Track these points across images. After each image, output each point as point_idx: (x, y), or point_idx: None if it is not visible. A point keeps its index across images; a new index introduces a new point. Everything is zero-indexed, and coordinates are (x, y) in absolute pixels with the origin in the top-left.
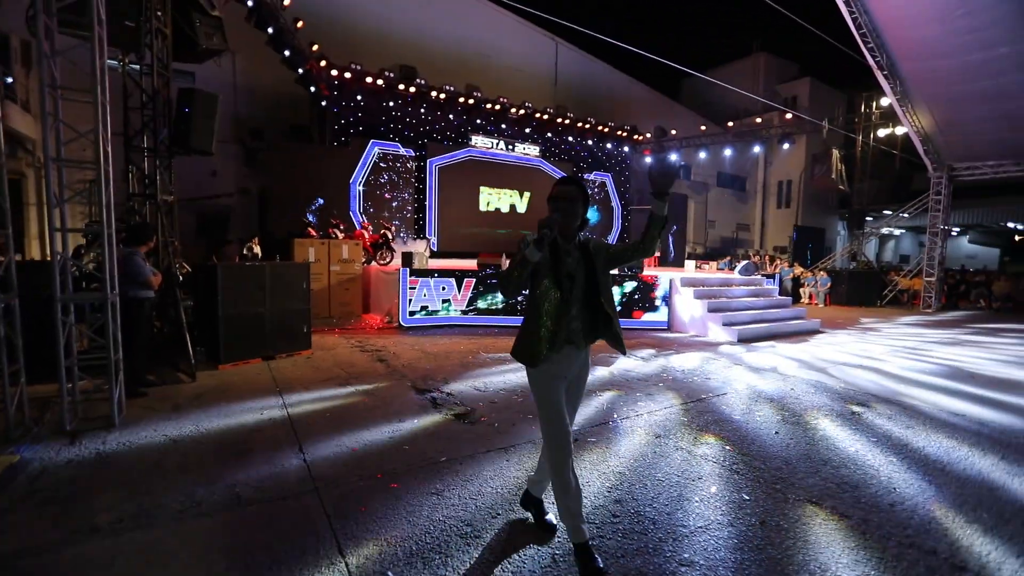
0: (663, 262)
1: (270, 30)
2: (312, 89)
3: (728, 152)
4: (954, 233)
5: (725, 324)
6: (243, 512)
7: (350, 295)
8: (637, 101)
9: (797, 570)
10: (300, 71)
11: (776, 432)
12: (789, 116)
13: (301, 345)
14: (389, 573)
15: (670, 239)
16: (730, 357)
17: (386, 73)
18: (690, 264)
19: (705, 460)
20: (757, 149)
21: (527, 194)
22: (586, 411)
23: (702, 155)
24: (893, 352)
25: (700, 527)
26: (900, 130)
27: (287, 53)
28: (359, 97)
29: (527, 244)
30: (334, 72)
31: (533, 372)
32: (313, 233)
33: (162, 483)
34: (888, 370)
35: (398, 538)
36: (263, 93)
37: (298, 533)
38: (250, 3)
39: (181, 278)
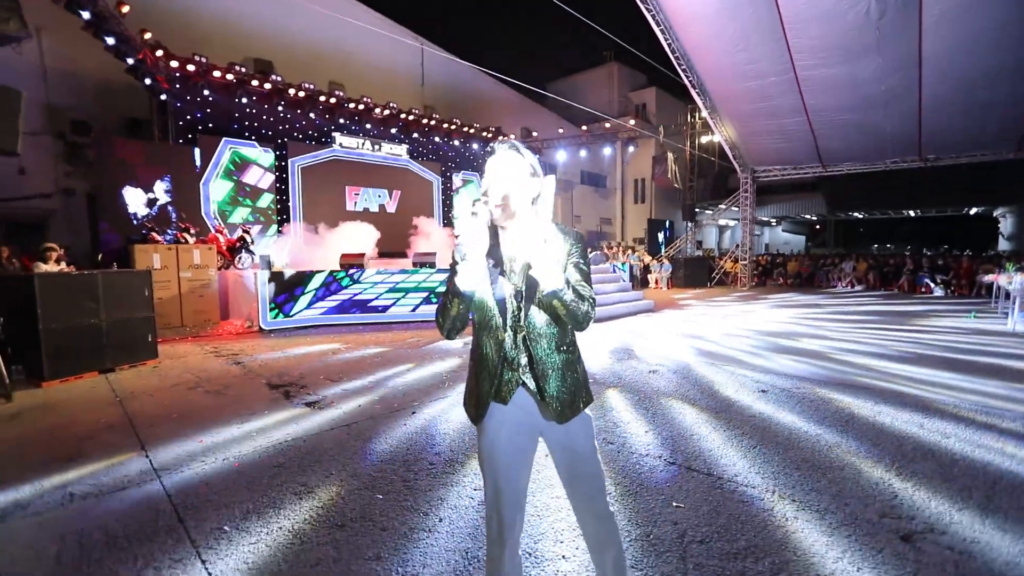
0: None
1: (86, 14)
2: (148, 81)
3: (584, 153)
4: (773, 223)
5: None
6: (77, 505)
7: (204, 302)
8: (504, 103)
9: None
10: (131, 61)
11: None
12: (632, 123)
13: (146, 355)
14: (226, 527)
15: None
16: None
17: (236, 67)
18: None
19: None
20: (608, 151)
21: (397, 192)
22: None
23: (562, 155)
24: (695, 324)
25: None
26: (717, 137)
27: (111, 41)
28: (206, 92)
29: (455, 264)
30: (174, 64)
31: (480, 430)
32: (157, 238)
33: None
34: (685, 338)
35: (236, 502)
36: (87, 80)
37: (137, 513)
38: None
39: None
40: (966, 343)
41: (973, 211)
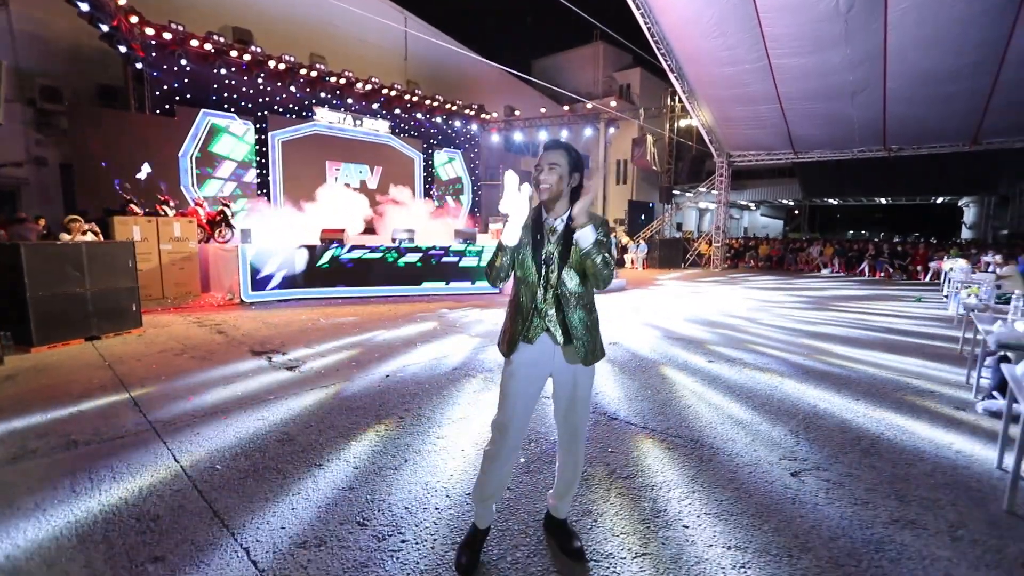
0: None
1: None
2: (123, 49)
3: (565, 133)
4: (752, 208)
5: None
6: (81, 450)
7: (185, 274)
8: (487, 80)
9: None
10: (105, 28)
11: None
12: (613, 105)
13: (131, 324)
14: (218, 466)
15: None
16: None
17: (215, 37)
18: None
19: (469, 377)
20: (588, 132)
21: (378, 168)
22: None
23: (543, 135)
24: (661, 302)
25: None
26: (695, 121)
27: (84, 7)
28: (183, 62)
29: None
30: (149, 31)
31: (507, 363)
32: (135, 210)
33: None
34: (651, 313)
35: (225, 447)
36: (57, 44)
37: (137, 456)
38: None
39: None
40: (903, 326)
41: (939, 200)
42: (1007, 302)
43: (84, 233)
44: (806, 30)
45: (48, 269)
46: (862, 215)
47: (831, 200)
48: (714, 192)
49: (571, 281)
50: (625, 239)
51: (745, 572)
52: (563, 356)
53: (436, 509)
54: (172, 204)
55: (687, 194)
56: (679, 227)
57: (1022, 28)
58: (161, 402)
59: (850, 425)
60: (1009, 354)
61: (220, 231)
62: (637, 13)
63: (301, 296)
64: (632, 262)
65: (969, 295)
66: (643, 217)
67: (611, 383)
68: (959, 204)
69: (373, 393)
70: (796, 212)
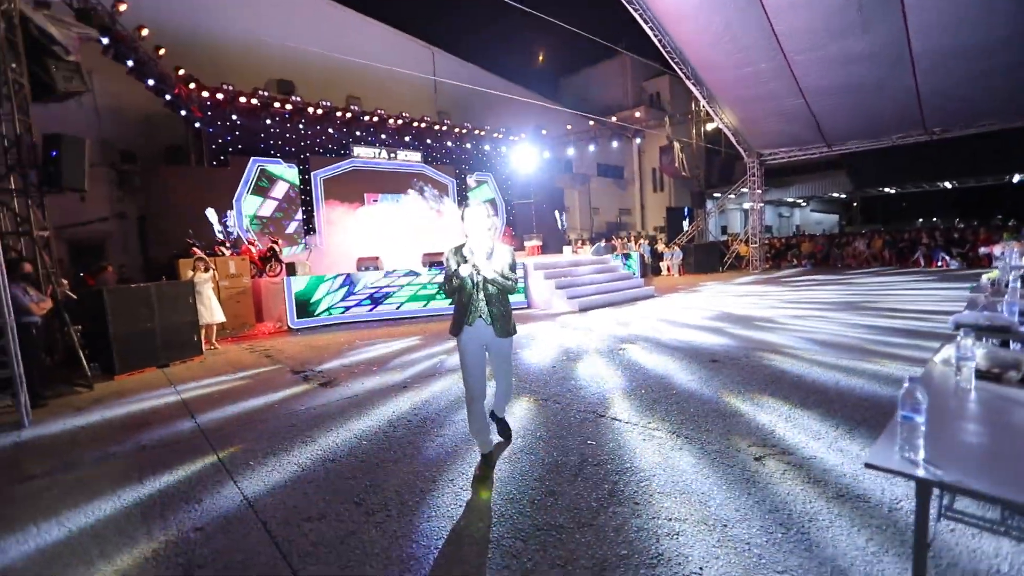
0: (546, 249)
1: (129, 62)
2: (183, 112)
3: (592, 148)
4: (802, 204)
5: (570, 298)
6: (147, 453)
7: (241, 307)
8: (516, 104)
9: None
10: (168, 97)
11: (553, 366)
12: (638, 115)
13: (193, 352)
14: (250, 462)
15: (561, 224)
16: (560, 323)
17: (260, 92)
18: (567, 249)
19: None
20: (615, 144)
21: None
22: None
23: (571, 151)
24: (685, 308)
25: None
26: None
27: (151, 82)
28: (234, 116)
29: (456, 268)
30: (205, 94)
31: (458, 339)
32: (197, 252)
33: (79, 449)
34: (669, 319)
35: (259, 448)
36: (132, 114)
37: (188, 455)
38: (105, 41)
39: (70, 301)
40: (938, 316)
41: (1016, 179)
42: None
43: (206, 270)
44: (819, 23)
45: (125, 309)
46: (928, 202)
47: (887, 189)
48: (732, 196)
49: (491, 288)
50: (661, 246)
51: (677, 539)
52: (493, 332)
53: (421, 492)
54: (228, 244)
55: (730, 196)
56: (724, 230)
57: None
58: (211, 413)
59: (832, 414)
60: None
61: (270, 266)
62: (647, 27)
63: (343, 321)
64: (668, 269)
65: (987, 278)
66: (683, 223)
67: (609, 385)
68: None
69: (390, 405)
70: (853, 204)
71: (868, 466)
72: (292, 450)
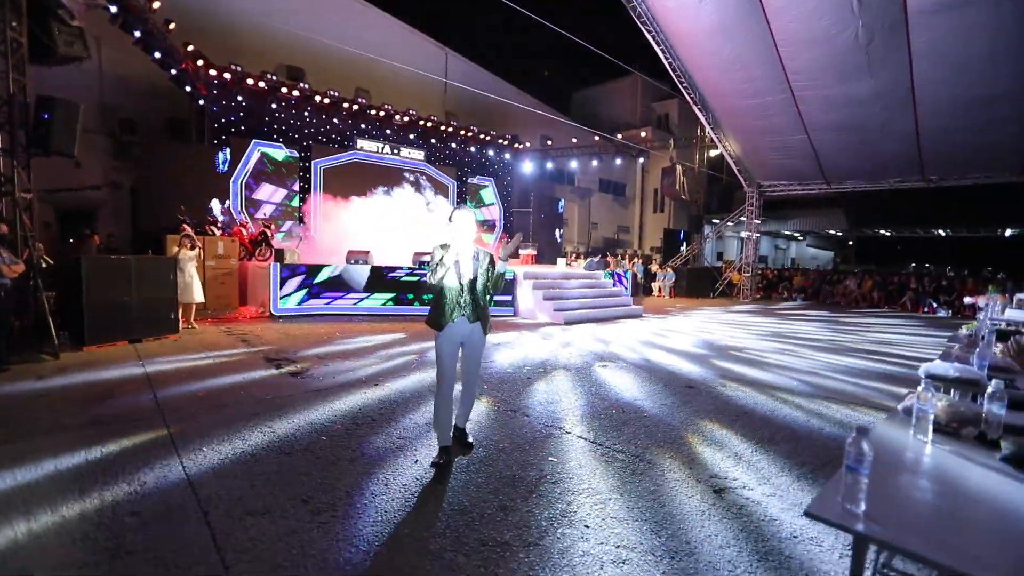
0: (540, 259)
1: (137, 33)
2: (188, 88)
3: (595, 163)
4: (799, 238)
5: (556, 310)
6: (102, 428)
7: (226, 288)
8: (524, 112)
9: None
10: (173, 71)
11: (528, 377)
12: (644, 135)
13: (169, 330)
14: (204, 448)
15: (558, 236)
16: (543, 333)
17: (268, 75)
18: (562, 261)
19: None
20: (619, 161)
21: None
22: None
23: (573, 164)
24: (670, 331)
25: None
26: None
27: (157, 55)
28: (239, 98)
29: (442, 258)
30: (212, 72)
31: (438, 335)
32: (187, 229)
33: (30, 418)
34: (651, 340)
35: (216, 434)
36: (136, 83)
37: (144, 432)
38: (113, 9)
39: (44, 267)
40: (918, 362)
41: (1007, 233)
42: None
43: (192, 248)
44: (827, 63)
45: (102, 279)
46: (922, 247)
47: (883, 231)
48: (730, 224)
49: (476, 287)
50: (655, 267)
51: (623, 567)
52: (471, 330)
53: (371, 494)
54: (220, 224)
55: (728, 223)
56: (720, 256)
57: None
58: (175, 392)
59: (803, 451)
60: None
61: (260, 250)
62: (658, 50)
63: (326, 312)
64: (659, 290)
65: (967, 329)
66: (680, 245)
67: (581, 402)
68: None
69: (357, 400)
70: (849, 243)
71: (808, 515)
72: (249, 439)
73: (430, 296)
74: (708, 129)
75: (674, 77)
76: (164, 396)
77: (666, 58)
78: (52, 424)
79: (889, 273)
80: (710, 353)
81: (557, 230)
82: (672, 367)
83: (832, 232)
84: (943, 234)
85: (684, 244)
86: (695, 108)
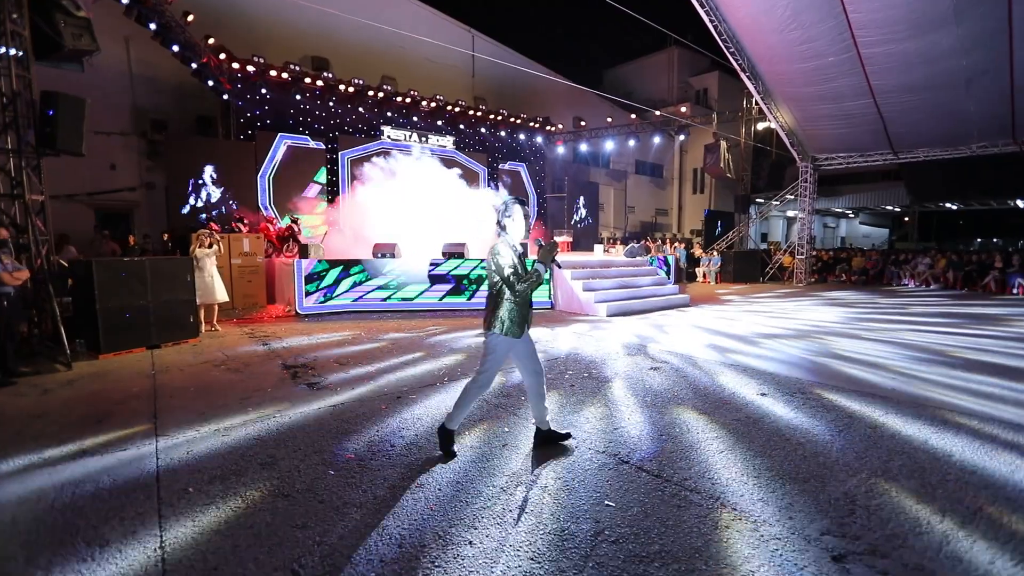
0: (576, 247)
1: (153, 26)
2: (211, 83)
3: (632, 143)
4: (850, 215)
5: (597, 301)
6: (86, 461)
7: (253, 287)
8: (555, 91)
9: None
10: (194, 65)
11: (571, 384)
12: (683, 110)
13: (188, 334)
14: (191, 488)
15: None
16: (585, 328)
17: (292, 66)
18: (599, 248)
19: (502, 396)
20: (657, 140)
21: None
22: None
23: (609, 145)
24: (726, 321)
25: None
26: (773, 124)
27: (176, 48)
28: (263, 91)
29: (539, 270)
30: (235, 66)
31: (504, 341)
32: (214, 226)
33: (15, 446)
34: (711, 334)
35: (209, 467)
36: (165, 82)
37: (130, 473)
38: (124, 1)
39: (64, 271)
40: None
41: None
42: None
43: (209, 246)
44: (902, 12)
45: (116, 283)
46: (992, 221)
47: (948, 205)
48: (775, 203)
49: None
50: (697, 251)
51: None
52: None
53: (379, 562)
54: (246, 221)
55: (773, 202)
56: (764, 238)
57: None
58: (177, 413)
59: (935, 487)
60: None
61: (288, 246)
62: (702, 12)
63: (352, 309)
64: (704, 276)
65: None
66: (721, 228)
67: (635, 416)
68: None
69: (376, 419)
70: (906, 219)
71: None
72: (244, 475)
73: (495, 298)
74: (757, 98)
75: (720, 42)
76: (164, 418)
77: (710, 20)
78: (33, 458)
79: (964, 250)
80: (780, 344)
81: (580, 213)
82: (740, 364)
83: (889, 208)
84: (1020, 205)
85: (725, 226)
86: (743, 76)
